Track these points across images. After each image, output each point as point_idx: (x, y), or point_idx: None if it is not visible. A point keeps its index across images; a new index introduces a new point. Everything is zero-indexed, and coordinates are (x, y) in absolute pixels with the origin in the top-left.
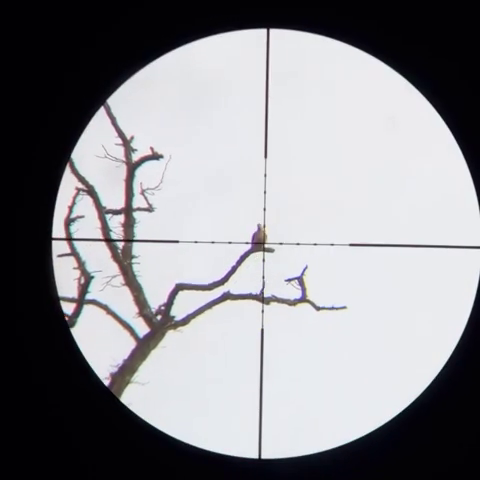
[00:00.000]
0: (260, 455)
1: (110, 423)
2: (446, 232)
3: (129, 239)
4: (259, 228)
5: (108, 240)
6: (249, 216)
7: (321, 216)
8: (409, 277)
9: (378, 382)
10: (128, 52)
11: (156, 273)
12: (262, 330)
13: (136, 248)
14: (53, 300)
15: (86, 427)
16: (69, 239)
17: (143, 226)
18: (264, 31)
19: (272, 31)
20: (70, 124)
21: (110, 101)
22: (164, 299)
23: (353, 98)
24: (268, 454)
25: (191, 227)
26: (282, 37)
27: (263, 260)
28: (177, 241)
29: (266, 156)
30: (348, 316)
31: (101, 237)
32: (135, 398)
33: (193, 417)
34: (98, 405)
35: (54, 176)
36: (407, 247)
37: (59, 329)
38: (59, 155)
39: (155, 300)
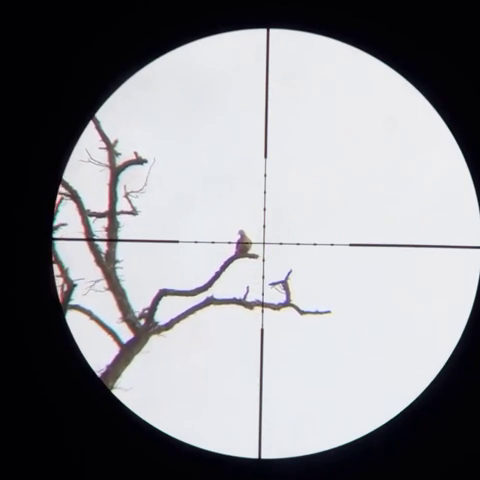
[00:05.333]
0: (260, 455)
1: (110, 424)
2: (446, 232)
3: (130, 239)
4: (242, 235)
5: (107, 240)
6: (249, 216)
7: (321, 216)
8: (409, 277)
9: (378, 382)
10: (128, 52)
11: (140, 277)
12: (262, 330)
13: (119, 252)
14: (53, 299)
15: (87, 429)
16: (69, 239)
17: (144, 227)
18: (264, 31)
19: (272, 31)
20: (71, 122)
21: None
22: (148, 303)
23: (353, 98)
24: (268, 454)
25: (191, 227)
26: (282, 37)
27: (263, 260)
28: (177, 241)
29: (266, 156)
30: (348, 316)
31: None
32: (134, 400)
33: (193, 417)
34: (99, 406)
35: (54, 175)
36: (407, 247)
37: (58, 328)
38: (60, 153)
39: (139, 304)
